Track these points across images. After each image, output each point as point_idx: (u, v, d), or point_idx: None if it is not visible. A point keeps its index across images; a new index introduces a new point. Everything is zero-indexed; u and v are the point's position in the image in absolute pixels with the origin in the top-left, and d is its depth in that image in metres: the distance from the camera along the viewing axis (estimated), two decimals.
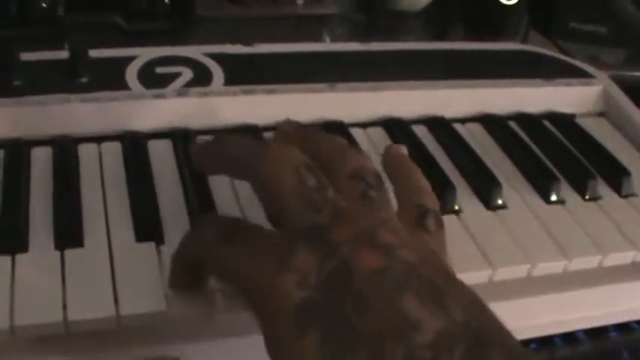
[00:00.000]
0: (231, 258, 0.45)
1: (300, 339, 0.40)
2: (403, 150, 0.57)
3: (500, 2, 1.02)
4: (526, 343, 0.64)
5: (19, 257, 0.54)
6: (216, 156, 0.53)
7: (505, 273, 0.61)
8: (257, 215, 0.61)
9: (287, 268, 0.42)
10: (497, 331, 0.41)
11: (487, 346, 0.39)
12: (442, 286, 0.42)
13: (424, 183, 0.53)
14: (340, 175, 0.48)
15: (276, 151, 0.48)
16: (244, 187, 0.64)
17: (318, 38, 0.96)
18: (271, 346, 0.42)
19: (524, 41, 1.01)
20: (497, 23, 1.05)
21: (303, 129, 0.56)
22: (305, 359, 0.39)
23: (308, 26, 0.99)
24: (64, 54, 0.72)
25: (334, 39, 0.98)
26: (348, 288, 0.41)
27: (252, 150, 0.49)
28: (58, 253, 0.55)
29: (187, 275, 0.52)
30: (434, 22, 1.06)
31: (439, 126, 0.78)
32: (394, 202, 0.52)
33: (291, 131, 0.56)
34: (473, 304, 0.42)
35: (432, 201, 0.51)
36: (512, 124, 0.81)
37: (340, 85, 0.77)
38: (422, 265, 0.43)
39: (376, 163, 0.67)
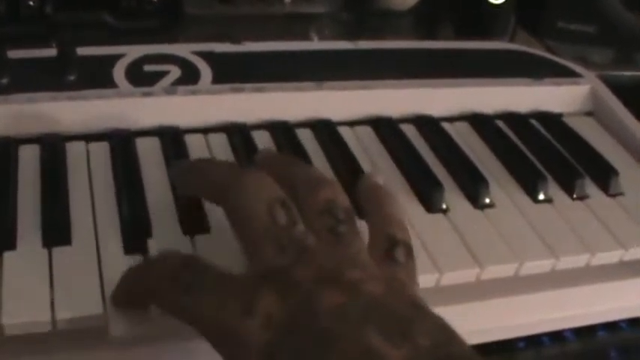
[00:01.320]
0: (193, 305, 0.44)
1: None
2: (379, 180, 0.57)
3: (488, 1, 1.02)
4: (514, 342, 0.64)
5: (7, 255, 0.54)
6: (193, 177, 0.55)
7: (493, 272, 0.61)
8: None
9: (252, 313, 0.42)
10: (467, 356, 0.41)
11: None
12: (408, 316, 0.42)
13: (396, 213, 0.53)
14: (312, 208, 0.49)
15: (251, 180, 0.49)
16: None
17: (306, 37, 0.97)
18: None
19: (512, 40, 1.02)
20: (486, 22, 1.05)
21: (280, 158, 0.58)
22: None
23: (296, 25, 0.99)
24: (52, 52, 0.72)
25: (323, 37, 0.98)
26: (310, 327, 0.41)
27: (229, 176, 0.50)
28: (45, 250, 0.55)
29: (132, 301, 0.51)
30: (422, 21, 1.06)
31: (427, 125, 0.78)
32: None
33: (268, 160, 0.57)
34: (441, 332, 0.42)
35: (402, 231, 0.51)
36: (500, 123, 0.81)
37: (329, 83, 0.77)
38: (388, 297, 0.43)
39: (363, 162, 0.67)
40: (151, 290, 0.48)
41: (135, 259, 0.55)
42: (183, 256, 0.48)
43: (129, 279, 0.50)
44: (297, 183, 0.51)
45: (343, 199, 0.50)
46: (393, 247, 0.49)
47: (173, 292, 0.45)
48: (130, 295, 0.51)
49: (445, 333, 0.42)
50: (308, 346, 0.40)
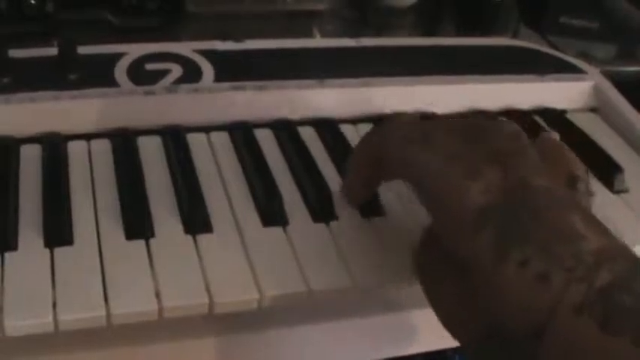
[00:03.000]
0: (424, 160, 0.50)
1: (477, 233, 0.46)
2: (556, 135, 0.64)
3: None
4: None
5: (9, 255, 0.54)
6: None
7: None
8: (247, 213, 0.61)
9: (477, 177, 0.47)
10: None
11: None
12: (600, 222, 0.47)
13: (577, 159, 0.56)
14: (499, 137, 0.52)
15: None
16: (235, 185, 0.64)
17: (308, 34, 0.96)
18: (448, 239, 0.49)
19: (514, 37, 1.01)
20: (488, 18, 1.05)
21: None
22: (479, 250, 0.45)
23: (298, 22, 0.99)
24: (53, 51, 0.72)
25: (325, 35, 0.97)
26: (525, 199, 0.47)
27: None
28: (47, 251, 0.55)
29: (364, 181, 0.59)
30: (424, 18, 1.06)
31: None
32: None
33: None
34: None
35: (583, 172, 0.55)
36: (504, 119, 0.80)
37: (331, 81, 0.76)
38: (581, 204, 0.49)
39: None
40: (388, 147, 0.54)
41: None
42: (416, 122, 0.58)
43: (355, 158, 0.59)
44: (478, 124, 0.54)
45: (524, 134, 0.54)
46: (575, 180, 0.53)
47: (408, 142, 0.52)
48: (362, 165, 0.58)
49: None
50: (519, 212, 0.46)
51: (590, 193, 0.53)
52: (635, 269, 0.44)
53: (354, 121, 0.76)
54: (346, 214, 0.62)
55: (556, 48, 0.96)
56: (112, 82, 0.71)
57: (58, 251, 0.55)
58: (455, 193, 0.47)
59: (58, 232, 0.56)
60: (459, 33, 1.05)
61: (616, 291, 0.42)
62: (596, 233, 0.45)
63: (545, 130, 0.79)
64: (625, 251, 0.45)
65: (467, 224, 0.46)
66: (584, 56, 0.94)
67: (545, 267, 0.43)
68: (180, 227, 0.59)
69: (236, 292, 0.54)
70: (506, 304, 0.45)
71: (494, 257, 0.45)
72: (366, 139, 0.58)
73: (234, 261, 0.56)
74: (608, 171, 0.72)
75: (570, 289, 0.43)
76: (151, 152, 0.67)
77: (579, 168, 0.54)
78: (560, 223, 0.45)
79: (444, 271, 0.51)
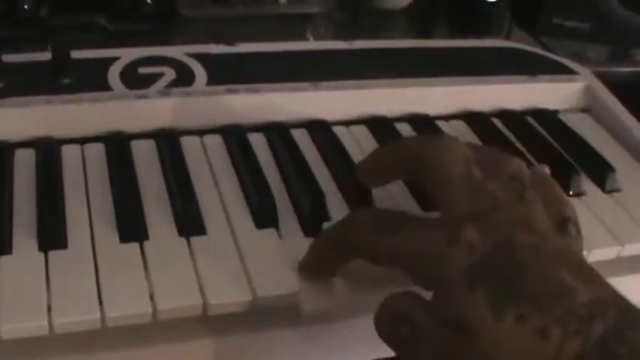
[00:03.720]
0: (397, 243, 0.50)
1: (471, 294, 0.45)
2: (547, 170, 0.62)
3: None
4: None
5: (3, 259, 0.54)
6: (386, 158, 0.59)
7: None
8: (240, 215, 0.61)
9: (456, 242, 0.47)
10: None
11: (635, 319, 0.45)
12: (590, 269, 0.48)
13: (565, 197, 0.56)
14: (500, 175, 0.52)
15: (447, 141, 0.54)
16: (229, 189, 0.64)
17: (301, 37, 0.96)
18: (441, 302, 0.47)
19: (507, 38, 1.02)
20: (481, 20, 1.05)
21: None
22: (476, 309, 0.45)
23: (291, 25, 0.99)
24: (46, 55, 0.72)
25: (318, 38, 0.98)
26: (510, 257, 0.46)
27: (423, 142, 0.56)
28: (42, 254, 0.55)
29: (325, 263, 0.57)
30: (417, 20, 1.06)
31: (423, 124, 0.78)
32: None
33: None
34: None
35: (572, 211, 0.55)
36: (496, 120, 0.81)
37: (324, 83, 0.77)
38: (570, 253, 0.49)
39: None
40: (352, 244, 0.54)
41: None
42: (370, 210, 0.58)
43: (319, 245, 0.57)
44: (486, 153, 0.55)
45: (527, 170, 0.54)
46: (565, 222, 0.53)
47: (376, 236, 0.51)
48: (321, 263, 0.57)
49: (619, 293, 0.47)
50: (507, 271, 0.46)
51: (579, 233, 0.54)
52: (627, 317, 0.44)
53: (348, 123, 0.77)
54: (339, 216, 0.62)
55: (549, 49, 0.96)
56: (105, 86, 0.71)
57: (53, 255, 0.55)
58: (439, 262, 0.47)
59: (52, 235, 0.57)
60: (452, 35, 1.05)
61: (612, 341, 0.43)
62: (586, 283, 0.45)
63: (538, 134, 0.79)
64: (615, 298, 0.46)
65: (459, 286, 0.46)
66: (577, 57, 0.95)
67: (542, 322, 0.44)
68: (174, 230, 0.59)
69: (230, 294, 0.54)
70: None
71: (491, 314, 0.45)
72: (327, 237, 0.57)
73: (228, 263, 0.56)
74: (600, 171, 0.73)
75: (568, 342, 0.43)
76: (145, 156, 0.67)
77: (569, 208, 0.54)
78: (549, 278, 0.46)
79: (428, 335, 0.48)
